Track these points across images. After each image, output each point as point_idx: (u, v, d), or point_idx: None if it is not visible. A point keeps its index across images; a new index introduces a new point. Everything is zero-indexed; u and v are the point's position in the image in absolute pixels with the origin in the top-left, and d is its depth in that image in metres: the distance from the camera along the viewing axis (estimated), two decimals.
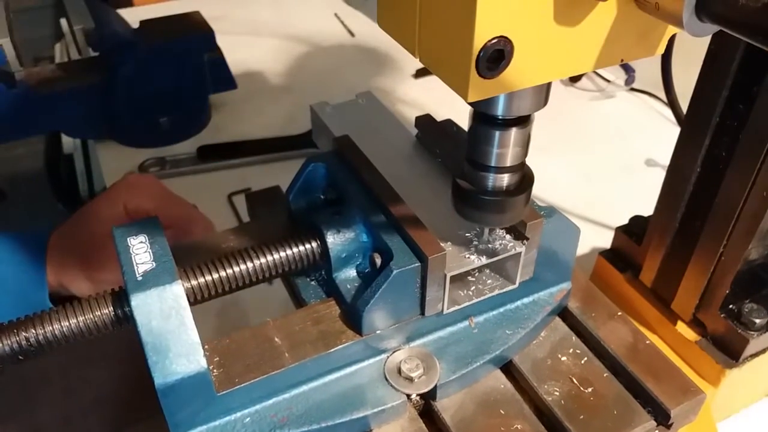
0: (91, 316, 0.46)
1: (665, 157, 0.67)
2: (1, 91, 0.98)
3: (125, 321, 0.47)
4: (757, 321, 0.62)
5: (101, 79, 1.03)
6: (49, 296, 0.67)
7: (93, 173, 2.20)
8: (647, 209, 0.72)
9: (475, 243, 0.51)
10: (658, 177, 0.68)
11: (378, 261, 0.50)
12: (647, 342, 0.54)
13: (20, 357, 0.45)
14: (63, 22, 1.35)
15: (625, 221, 0.76)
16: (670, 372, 0.52)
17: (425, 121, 0.64)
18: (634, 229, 0.74)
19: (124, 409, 0.72)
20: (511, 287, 0.53)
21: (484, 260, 0.50)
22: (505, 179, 0.47)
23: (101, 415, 0.72)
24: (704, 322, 0.67)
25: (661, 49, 0.41)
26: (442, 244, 0.49)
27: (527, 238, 0.51)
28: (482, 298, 0.52)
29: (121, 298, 0.47)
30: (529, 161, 0.48)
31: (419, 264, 0.48)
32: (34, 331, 0.45)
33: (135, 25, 1.09)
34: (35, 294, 0.66)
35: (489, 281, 0.53)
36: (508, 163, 0.46)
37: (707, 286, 0.64)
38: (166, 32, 1.07)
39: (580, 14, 0.36)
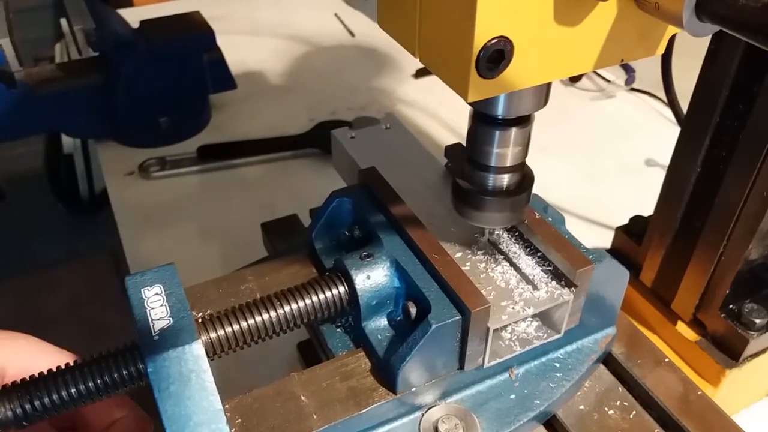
0: (101, 379, 0.42)
1: (665, 157, 0.67)
2: (1, 91, 0.98)
3: (138, 379, 0.43)
4: (757, 321, 0.62)
5: (101, 79, 1.03)
6: None
7: (93, 173, 2.20)
8: (647, 209, 0.72)
9: (520, 290, 0.48)
10: (658, 177, 0.68)
11: (413, 311, 0.47)
12: (699, 392, 0.51)
13: (24, 423, 0.41)
14: (63, 22, 1.35)
15: (625, 221, 0.76)
16: (725, 425, 0.49)
17: (455, 151, 0.61)
18: (634, 229, 0.74)
19: None
20: (555, 336, 0.50)
21: (530, 311, 0.47)
22: (505, 179, 0.47)
23: None
24: (704, 322, 0.66)
25: (661, 49, 0.41)
26: (483, 292, 0.46)
27: (576, 286, 0.48)
28: (525, 349, 0.49)
29: (134, 354, 0.43)
30: (529, 161, 0.48)
31: (460, 317, 0.45)
32: (39, 394, 0.41)
33: (135, 25, 1.09)
34: None
35: (532, 330, 0.50)
36: (509, 163, 0.46)
37: (707, 286, 0.64)
38: (166, 32, 1.07)
39: (580, 14, 0.36)
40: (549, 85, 0.43)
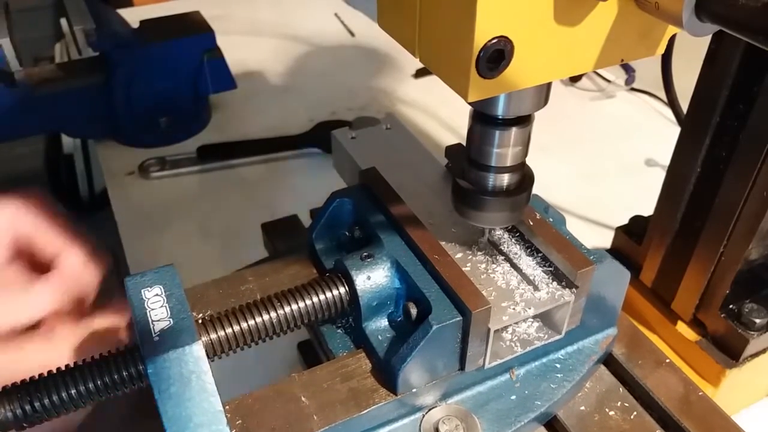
0: (102, 380, 0.42)
1: (665, 157, 0.67)
2: (1, 91, 0.98)
3: (138, 380, 0.43)
4: (757, 321, 0.62)
5: (101, 79, 1.03)
6: None
7: (93, 173, 2.20)
8: (647, 209, 0.72)
9: (521, 291, 0.48)
10: (658, 177, 0.68)
11: (413, 311, 0.47)
12: (700, 393, 0.52)
13: (24, 425, 0.41)
14: (63, 22, 1.35)
15: (625, 221, 0.76)
16: (726, 426, 0.49)
17: (455, 151, 0.60)
18: (634, 229, 0.74)
19: (129, 409, 0.72)
20: (556, 337, 0.50)
21: (530, 312, 0.47)
22: (505, 179, 0.47)
23: (105, 416, 0.72)
24: (704, 322, 0.66)
25: (661, 49, 0.41)
26: (483, 293, 0.46)
27: (577, 287, 0.48)
28: (526, 350, 0.49)
29: (134, 355, 0.43)
30: (529, 161, 0.48)
31: (461, 318, 0.45)
32: (39, 395, 0.41)
33: (135, 25, 1.09)
34: None
35: (533, 331, 0.50)
36: (509, 162, 0.46)
37: (707, 286, 0.64)
38: (166, 32, 1.07)
39: (581, 14, 0.36)
40: (549, 85, 0.43)
